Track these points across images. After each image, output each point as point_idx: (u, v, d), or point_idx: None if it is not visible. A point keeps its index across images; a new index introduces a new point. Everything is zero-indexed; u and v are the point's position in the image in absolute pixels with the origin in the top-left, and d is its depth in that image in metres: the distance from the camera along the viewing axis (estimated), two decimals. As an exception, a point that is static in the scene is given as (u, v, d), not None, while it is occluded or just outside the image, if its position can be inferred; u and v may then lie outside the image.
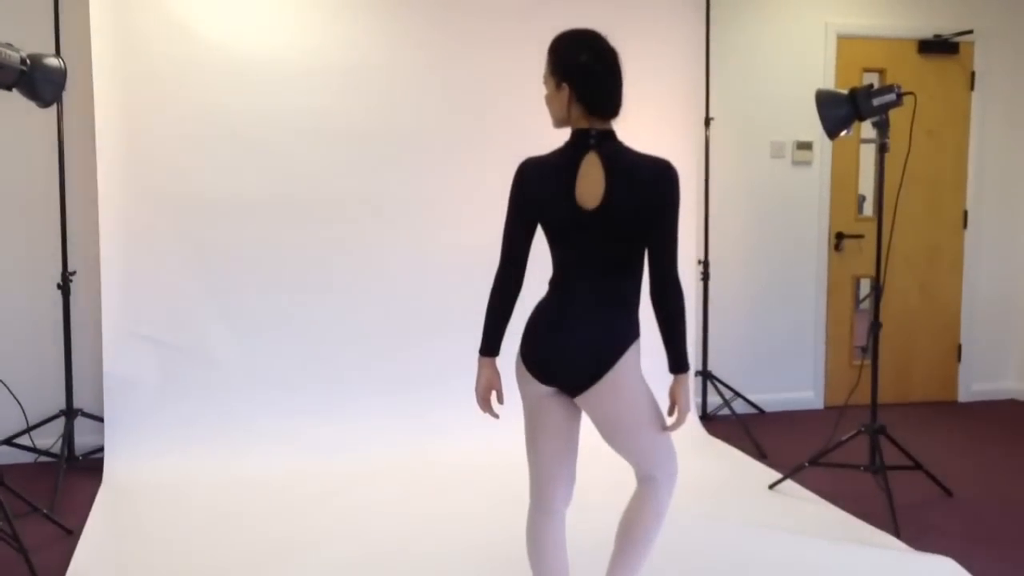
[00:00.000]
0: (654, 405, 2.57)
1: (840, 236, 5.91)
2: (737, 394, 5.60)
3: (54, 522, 3.78)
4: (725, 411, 5.57)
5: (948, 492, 4.29)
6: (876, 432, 4.11)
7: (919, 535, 3.79)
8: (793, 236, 5.85)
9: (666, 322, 2.49)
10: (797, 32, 5.73)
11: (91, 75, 4.50)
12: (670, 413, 2.59)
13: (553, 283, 2.57)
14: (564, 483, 2.64)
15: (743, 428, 5.26)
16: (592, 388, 2.48)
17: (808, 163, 5.82)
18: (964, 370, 6.21)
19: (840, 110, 4.01)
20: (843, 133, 4.10)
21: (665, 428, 2.57)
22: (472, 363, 4.79)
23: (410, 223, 4.93)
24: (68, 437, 4.56)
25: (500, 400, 2.66)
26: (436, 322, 4.96)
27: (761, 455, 4.89)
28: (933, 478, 4.28)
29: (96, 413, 4.71)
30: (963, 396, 6.22)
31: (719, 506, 4.08)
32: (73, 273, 4.60)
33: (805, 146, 5.78)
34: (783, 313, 5.88)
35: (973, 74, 6.00)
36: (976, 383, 6.23)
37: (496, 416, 2.65)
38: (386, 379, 4.89)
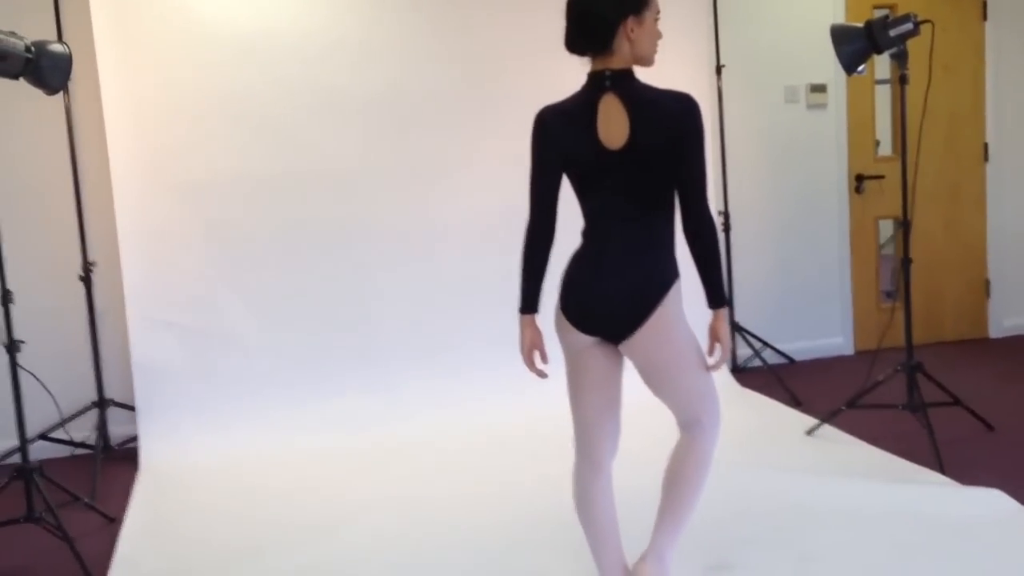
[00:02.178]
0: (698, 346, 2.54)
1: (860, 178, 5.83)
2: (766, 344, 5.55)
3: (96, 511, 3.79)
4: (755, 362, 5.52)
5: (989, 426, 4.25)
6: (913, 370, 4.06)
7: (964, 470, 3.74)
8: (812, 181, 5.78)
9: (701, 257, 2.45)
10: (805, -29, 5.62)
11: (95, 60, 4.46)
12: (710, 351, 2.56)
13: (586, 232, 2.52)
14: (610, 435, 2.61)
15: (775, 378, 5.22)
16: (636, 334, 2.44)
17: (823, 106, 5.73)
18: (994, 306, 6.14)
19: (856, 44, 3.93)
20: (860, 68, 4.02)
21: (709, 367, 2.54)
22: (501, 326, 4.82)
23: (428, 191, 4.88)
24: (102, 427, 4.56)
25: (544, 359, 2.62)
26: (462, 288, 4.93)
27: (796, 403, 4.85)
28: (973, 413, 4.23)
29: (127, 402, 4.71)
30: (994, 332, 6.16)
31: (758, 454, 4.05)
32: (94, 264, 4.59)
33: (819, 89, 5.69)
34: (807, 260, 5.82)
35: (985, 4, 5.89)
36: (1007, 318, 6.16)
37: (544, 375, 2.62)
38: (417, 348, 4.87)
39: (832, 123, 5.75)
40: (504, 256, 4.88)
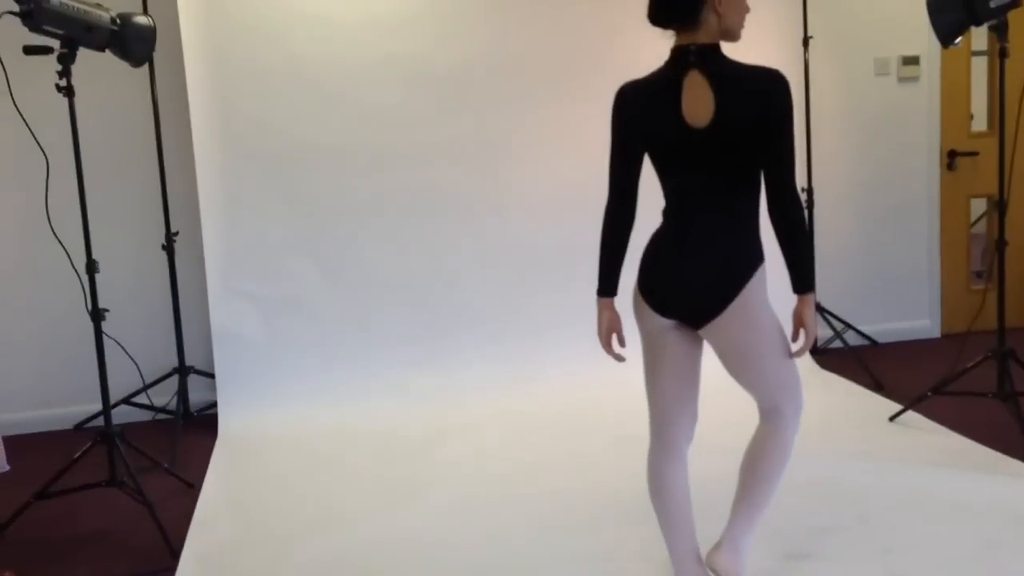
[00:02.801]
0: (782, 332, 2.46)
1: (952, 154, 5.60)
2: (848, 326, 5.40)
3: (175, 476, 3.87)
4: (836, 344, 5.38)
5: (1084, 416, 4.06)
6: (1005, 356, 3.90)
7: (1056, 462, 3.59)
8: (902, 157, 5.57)
9: (788, 239, 2.36)
10: (900, -61, 5.40)
11: (179, 33, 4.52)
12: (794, 337, 2.48)
13: (667, 212, 2.46)
14: (686, 421, 2.56)
15: (857, 360, 5.07)
16: (718, 317, 2.38)
17: (915, 79, 5.51)
18: (1092, 290, 5.87)
19: (953, 15, 3.74)
20: (957, 41, 3.84)
21: (792, 354, 2.46)
22: (574, 303, 4.78)
23: (501, 162, 4.84)
24: (182, 394, 4.66)
25: (622, 342, 2.57)
26: (534, 261, 4.89)
27: (878, 387, 4.71)
28: (1068, 402, 4.06)
29: (207, 369, 4.80)
30: (1091, 317, 5.90)
31: (839, 440, 3.94)
32: (176, 233, 4.66)
33: (911, 61, 5.47)
34: (894, 239, 5.63)
35: (1095, -28, 5.58)
36: (1105, 303, 5.89)
37: (621, 359, 2.57)
38: (488, 324, 4.86)
39: (924, 97, 5.53)
40: (582, 233, 4.85)
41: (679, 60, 2.36)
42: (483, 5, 4.74)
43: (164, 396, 4.77)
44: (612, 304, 2.56)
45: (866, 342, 5.55)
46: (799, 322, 2.46)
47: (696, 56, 2.33)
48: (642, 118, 2.39)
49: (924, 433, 3.98)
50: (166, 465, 3.87)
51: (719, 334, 2.42)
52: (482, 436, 4.24)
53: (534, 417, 4.45)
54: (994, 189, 5.67)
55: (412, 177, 4.77)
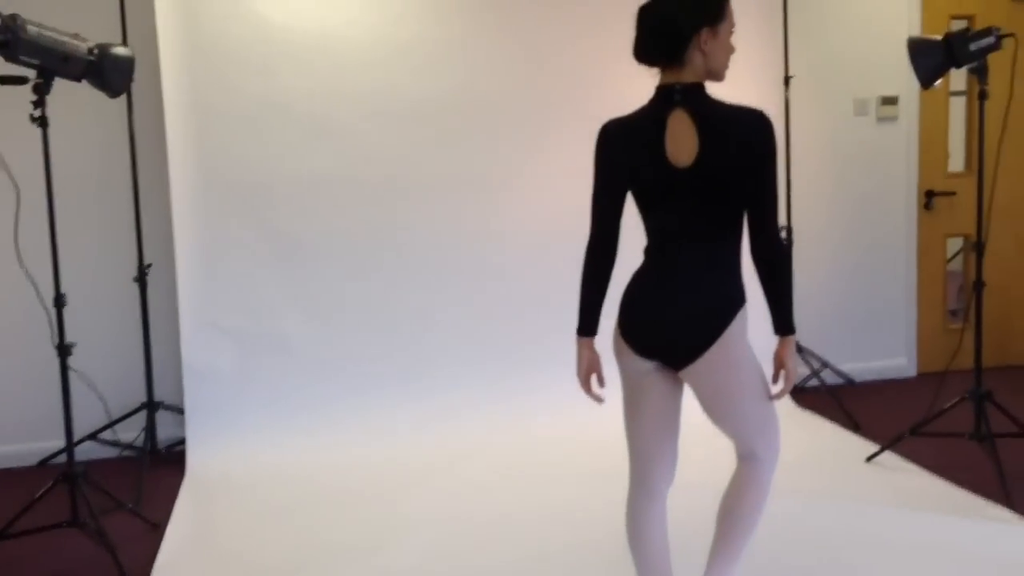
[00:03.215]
0: (762, 374, 2.44)
1: (930, 194, 5.63)
2: (825, 364, 5.38)
3: (139, 516, 3.77)
4: (813, 382, 5.36)
5: (1062, 460, 4.05)
6: (982, 398, 3.89)
7: (1035, 506, 3.57)
8: (880, 196, 5.59)
9: (770, 281, 2.34)
10: (879, -19, 5.45)
11: (158, 64, 4.47)
12: (774, 379, 2.45)
13: (649, 251, 2.42)
14: (666, 463, 2.51)
15: (834, 399, 5.05)
16: (699, 360, 2.34)
17: (894, 119, 5.54)
18: (1067, 330, 5.89)
19: (935, 58, 3.77)
20: (938, 82, 3.86)
21: (772, 396, 2.43)
22: (556, 339, 4.73)
23: (484, 198, 4.81)
24: (150, 430, 4.56)
25: (601, 383, 2.52)
26: (516, 298, 4.85)
27: (855, 427, 4.69)
28: (1045, 445, 4.04)
29: (177, 405, 4.71)
30: (1067, 357, 5.91)
31: (815, 481, 3.90)
32: (149, 265, 4.59)
33: (890, 101, 5.50)
34: (872, 278, 5.64)
35: (1068, 16, 5.66)
36: (1081, 343, 5.91)
37: (600, 400, 2.52)
38: (469, 359, 4.80)
39: (902, 137, 5.56)
40: (561, 269, 4.82)
41: (664, 99, 2.33)
42: (469, 40, 4.73)
43: (132, 432, 4.67)
44: (592, 344, 2.51)
45: (843, 381, 5.53)
46: (780, 364, 2.44)
47: (681, 95, 2.31)
48: (626, 156, 2.36)
49: (901, 474, 3.95)
50: (130, 505, 3.77)
51: (699, 377, 2.39)
52: (461, 476, 4.16)
53: (515, 456, 4.38)
54: (970, 229, 5.69)
55: (393, 211, 4.73)
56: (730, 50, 2.39)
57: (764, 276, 2.35)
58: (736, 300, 2.37)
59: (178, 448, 4.67)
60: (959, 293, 6.07)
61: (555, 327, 4.75)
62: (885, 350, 5.69)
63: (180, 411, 4.66)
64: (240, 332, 4.59)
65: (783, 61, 5.10)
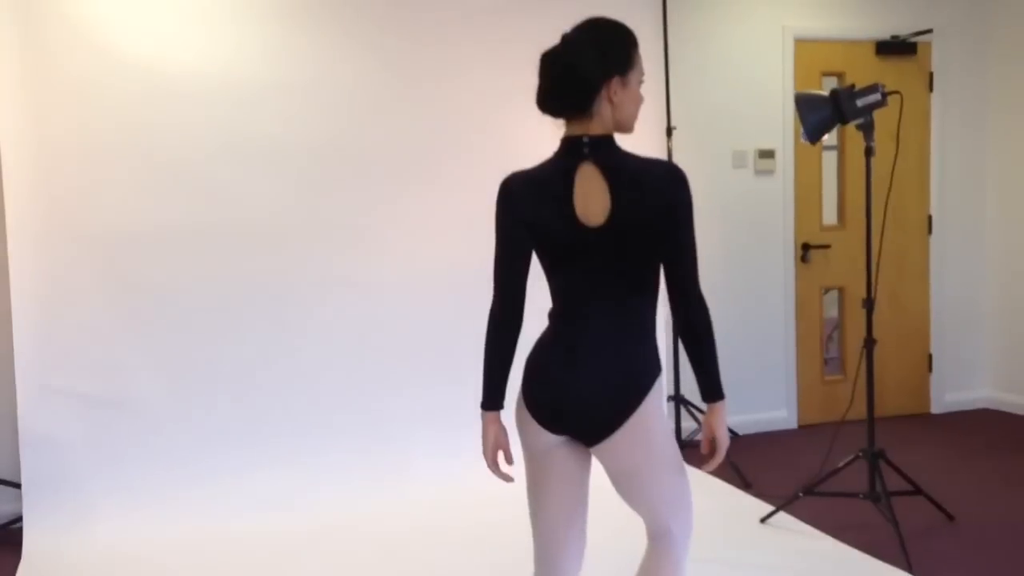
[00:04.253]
0: (676, 447, 2.25)
1: (806, 247, 5.67)
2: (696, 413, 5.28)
3: (-35, 613, 3.29)
4: (699, 436, 5.26)
5: (950, 516, 4.03)
6: (875, 457, 3.83)
7: (932, 568, 3.50)
8: (758, 249, 5.59)
9: (696, 344, 2.16)
10: (755, 36, 5.49)
11: (-7, 99, 4.03)
12: (706, 450, 2.26)
13: (556, 315, 2.21)
14: (574, 547, 2.29)
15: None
16: (613, 436, 2.13)
17: (771, 172, 5.57)
18: (936, 380, 6.01)
19: (822, 113, 3.74)
20: (824, 138, 3.84)
21: (704, 468, 2.25)
22: (449, 402, 4.47)
23: (369, 250, 4.53)
24: (-20, 507, 4.05)
25: (509, 460, 2.28)
26: (403, 359, 4.57)
27: (745, 484, 4.58)
28: (935, 503, 4.01)
29: (12, 479, 4.20)
30: (936, 407, 6.02)
31: (711, 546, 3.75)
32: (-20, 322, 4.10)
33: (767, 154, 5.53)
34: (751, 330, 5.61)
35: (931, 75, 5.84)
36: (948, 393, 6.03)
37: (509, 479, 2.28)
38: (349, 425, 4.48)
39: (779, 190, 5.59)
40: (450, 322, 4.57)
41: (570, 151, 2.14)
42: (346, 81, 4.48)
43: (-42, 509, 4.14)
44: (498, 418, 2.27)
45: (733, 433, 5.45)
46: (711, 433, 2.25)
47: (590, 148, 2.12)
48: (530, 214, 2.14)
49: (797, 536, 3.85)
50: (-46, 600, 3.28)
51: (612, 452, 2.18)
52: (338, 552, 3.81)
53: (396, 527, 4.06)
54: (845, 281, 5.75)
55: (261, 261, 4.39)
56: (639, 100, 2.22)
57: (690, 339, 2.17)
58: (653, 368, 2.18)
59: (14, 526, 4.15)
60: (828, 341, 6.11)
61: (441, 381, 4.51)
62: (766, 403, 5.66)
63: (16, 485, 4.16)
64: (86, 395, 4.15)
65: (665, 111, 5.04)
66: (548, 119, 2.20)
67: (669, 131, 5.03)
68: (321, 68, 4.44)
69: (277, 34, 4.38)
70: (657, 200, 2.10)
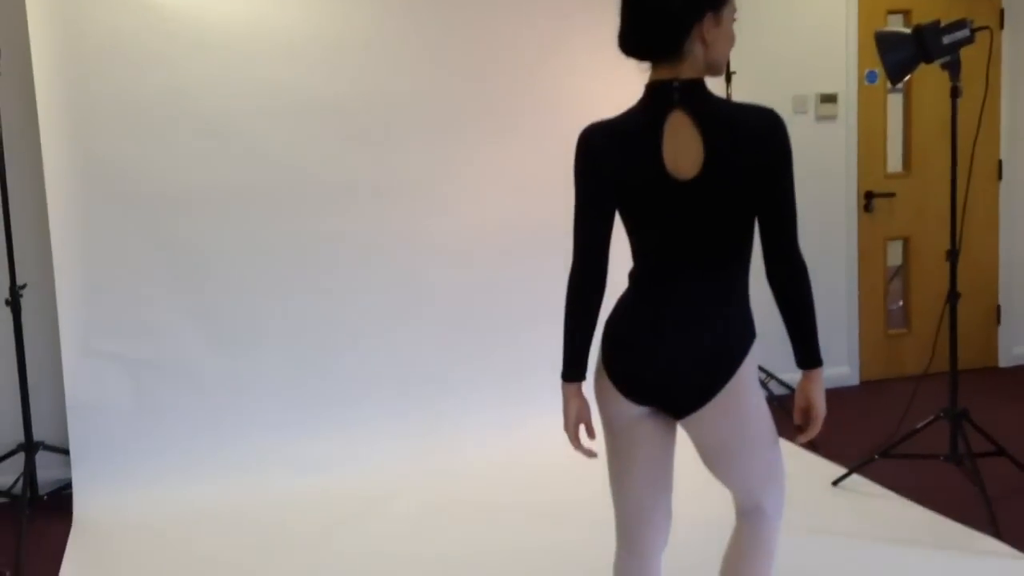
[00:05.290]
0: (771, 419, 2.09)
1: (869, 196, 5.41)
2: (770, 375, 5.10)
3: (19, 583, 3.21)
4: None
5: (1035, 478, 3.84)
6: (958, 417, 3.63)
7: (1021, 533, 3.32)
8: (819, 198, 5.35)
9: (793, 309, 1.99)
10: (817, -27, 5.19)
11: (29, 57, 3.88)
12: (799, 420, 2.09)
13: (639, 277, 2.03)
14: (661, 524, 2.14)
15: (784, 412, 4.78)
16: (705, 407, 1.97)
17: (832, 118, 5.30)
18: (1004, 333, 5.76)
19: (904, 52, 3.48)
20: (907, 78, 3.59)
21: (797, 441, 2.08)
22: (495, 363, 4.32)
23: (410, 207, 4.36)
24: (30, 475, 3.94)
25: (591, 434, 2.12)
26: (446, 318, 4.40)
27: (812, 446, 4.40)
28: (1019, 464, 3.80)
29: (60, 445, 4.13)
30: (1004, 361, 5.78)
31: (784, 511, 3.58)
32: (24, 286, 3.96)
33: (829, 99, 5.26)
34: (812, 282, 5.37)
35: (1002, 11, 5.51)
36: (1017, 346, 5.79)
37: (592, 454, 2.12)
38: (394, 386, 4.34)
39: (842, 136, 5.33)
40: (495, 282, 4.40)
41: (659, 98, 1.94)
42: (383, 29, 4.26)
43: (8, 477, 4.06)
44: (580, 390, 2.10)
45: (788, 391, 5.27)
46: (806, 402, 2.08)
47: (681, 93, 1.92)
48: (615, 168, 1.95)
49: (872, 499, 3.67)
50: (7, 572, 3.19)
51: (703, 426, 2.01)
52: (386, 520, 3.69)
53: (448, 496, 3.92)
54: (910, 231, 5.50)
55: (305, 220, 4.23)
56: (733, 38, 2.01)
57: (788, 304, 1.99)
58: (747, 336, 2.01)
59: (64, 493, 4.08)
60: (894, 280, 5.86)
61: (495, 346, 4.36)
62: (828, 358, 5.45)
63: (64, 452, 4.07)
64: (132, 360, 4.04)
65: (725, 56, 4.78)
66: (623, 61, 2.01)
67: (728, 76, 4.78)
68: (374, 20, 4.23)
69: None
70: (755, 150, 1.90)
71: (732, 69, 4.87)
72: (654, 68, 1.97)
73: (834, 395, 5.31)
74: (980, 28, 3.44)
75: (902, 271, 5.66)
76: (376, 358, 4.33)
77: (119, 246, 4.00)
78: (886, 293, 5.56)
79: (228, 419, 4.12)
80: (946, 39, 3.40)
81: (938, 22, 3.45)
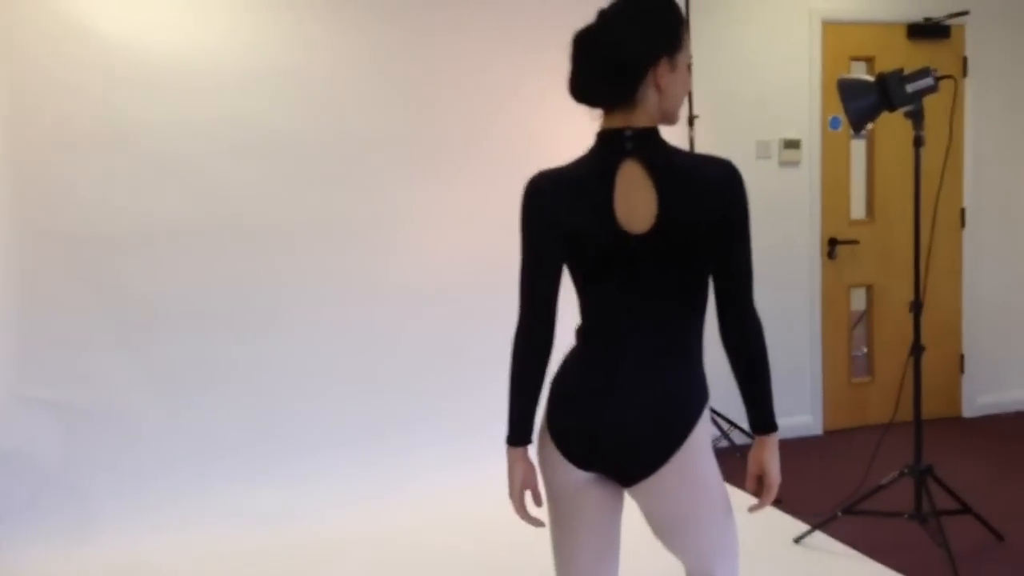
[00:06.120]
0: (724, 487, 1.98)
1: (833, 242, 5.35)
2: (733, 424, 5.00)
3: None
4: (723, 443, 4.96)
5: (999, 536, 3.73)
6: (922, 474, 3.53)
7: (988, 597, 3.21)
8: (782, 244, 5.27)
9: (747, 369, 1.90)
10: (780, 18, 5.15)
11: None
12: (752, 487, 2.00)
13: (587, 334, 1.91)
14: (605, 599, 1.99)
15: (745, 463, 4.65)
16: (657, 473, 1.84)
17: (796, 163, 5.25)
18: (968, 383, 5.70)
19: (867, 99, 3.44)
20: (869, 126, 3.53)
21: (751, 509, 1.97)
22: (448, 408, 4.18)
23: (372, 248, 4.24)
24: (-48, 528, 3.75)
25: (537, 502, 1.99)
26: (401, 363, 4.27)
27: (775, 500, 4.27)
28: (984, 523, 3.71)
29: (-13, 496, 3.91)
30: (968, 411, 5.71)
31: (744, 570, 3.44)
32: (-49, 328, 3.80)
33: (792, 144, 5.21)
34: (774, 330, 5.19)
35: (965, 59, 5.51)
36: (981, 396, 5.73)
37: (540, 524, 1.99)
38: (345, 434, 4.19)
39: (805, 182, 5.27)
40: (459, 327, 4.28)
41: (611, 147, 1.83)
42: (340, 64, 4.17)
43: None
44: (526, 455, 1.97)
45: (751, 440, 5.15)
46: (759, 469, 1.96)
47: (634, 142, 1.81)
48: (564, 220, 1.84)
49: (837, 559, 3.56)
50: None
51: (654, 494, 1.89)
52: (338, 571, 3.51)
53: (400, 544, 3.76)
54: (873, 279, 5.45)
55: (254, 261, 4.11)
56: (688, 87, 1.92)
57: (742, 364, 1.90)
58: (701, 397, 1.91)
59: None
60: (854, 328, 5.79)
61: (450, 390, 4.23)
62: (790, 407, 5.35)
63: (-9, 503, 3.87)
64: (66, 406, 3.87)
65: (688, 100, 4.72)
66: (574, 106, 1.90)
67: (691, 120, 4.72)
68: (319, 55, 4.14)
69: (270, 19, 4.07)
70: (711, 204, 1.80)
71: (695, 113, 4.80)
72: (606, 115, 1.87)
73: (797, 445, 5.21)
74: (944, 77, 3.40)
75: (866, 318, 5.60)
76: (328, 405, 4.19)
77: (54, 285, 3.84)
78: (850, 341, 5.49)
79: (168, 471, 3.94)
80: (909, 87, 3.36)
81: (901, 70, 3.41)
